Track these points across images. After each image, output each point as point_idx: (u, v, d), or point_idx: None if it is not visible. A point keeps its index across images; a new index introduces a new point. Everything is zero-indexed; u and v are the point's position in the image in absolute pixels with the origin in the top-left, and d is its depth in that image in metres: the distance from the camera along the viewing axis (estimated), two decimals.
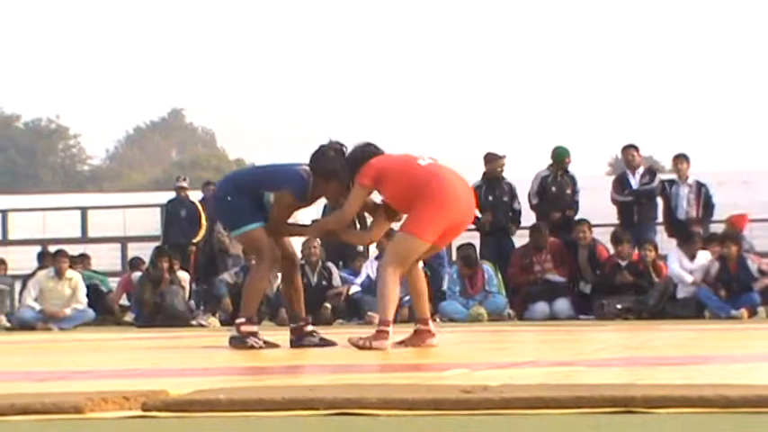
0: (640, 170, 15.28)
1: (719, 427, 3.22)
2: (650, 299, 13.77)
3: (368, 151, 7.41)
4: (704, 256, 14.01)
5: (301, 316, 7.62)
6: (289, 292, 7.72)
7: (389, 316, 7.17)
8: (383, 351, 6.87)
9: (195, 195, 17.57)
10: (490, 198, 15.18)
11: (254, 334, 7.60)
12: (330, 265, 14.75)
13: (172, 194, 17.58)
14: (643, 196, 15.09)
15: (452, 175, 7.42)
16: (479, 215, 14.43)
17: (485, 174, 15.35)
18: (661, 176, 15.71)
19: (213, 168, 60.75)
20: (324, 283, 14.58)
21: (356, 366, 5.95)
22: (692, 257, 13.98)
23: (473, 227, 15.33)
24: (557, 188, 15.22)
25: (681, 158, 15.28)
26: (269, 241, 7.55)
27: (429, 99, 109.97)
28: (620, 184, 15.31)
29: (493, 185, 15.27)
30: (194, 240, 16.56)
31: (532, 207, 15.30)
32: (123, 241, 20.12)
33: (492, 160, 15.37)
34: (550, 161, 15.43)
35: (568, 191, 15.27)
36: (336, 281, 14.61)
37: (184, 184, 17.34)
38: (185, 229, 16.67)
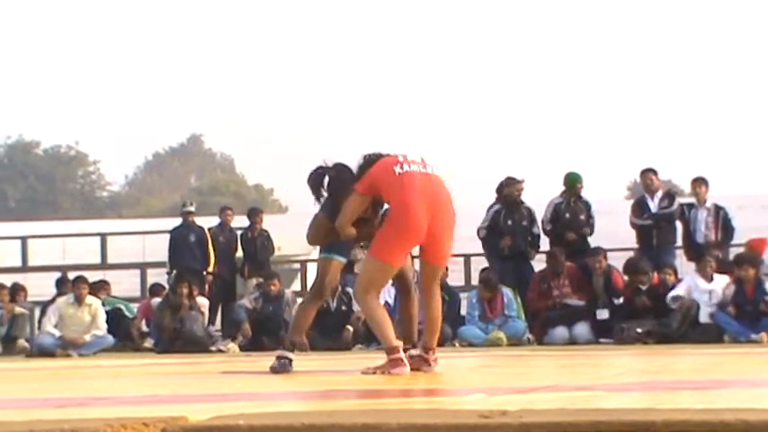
0: (659, 194, 15.26)
1: None
2: (673, 321, 13.72)
3: (372, 157, 7.51)
4: (722, 281, 13.97)
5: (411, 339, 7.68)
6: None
7: (392, 341, 7.18)
8: (402, 376, 6.84)
9: (211, 221, 17.57)
10: (509, 222, 15.19)
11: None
12: (349, 289, 14.78)
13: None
14: (662, 220, 15.06)
15: (422, 183, 7.33)
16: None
17: (504, 197, 15.36)
18: (680, 200, 15.69)
19: (232, 194, 60.92)
20: (343, 308, 14.61)
21: (376, 392, 5.94)
22: (708, 279, 13.95)
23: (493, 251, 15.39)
24: (570, 214, 15.22)
25: (699, 182, 15.25)
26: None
27: (449, 120, 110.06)
28: (639, 207, 15.29)
29: (512, 210, 15.27)
30: (209, 269, 16.47)
31: (546, 233, 15.31)
32: (143, 267, 20.15)
33: (511, 184, 15.39)
34: (563, 187, 15.47)
35: (582, 216, 15.27)
36: (356, 306, 14.63)
37: (191, 209, 17.31)
38: (195, 255, 16.59)
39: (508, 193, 15.33)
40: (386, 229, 7.28)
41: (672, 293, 13.92)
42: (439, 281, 7.70)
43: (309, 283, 12.77)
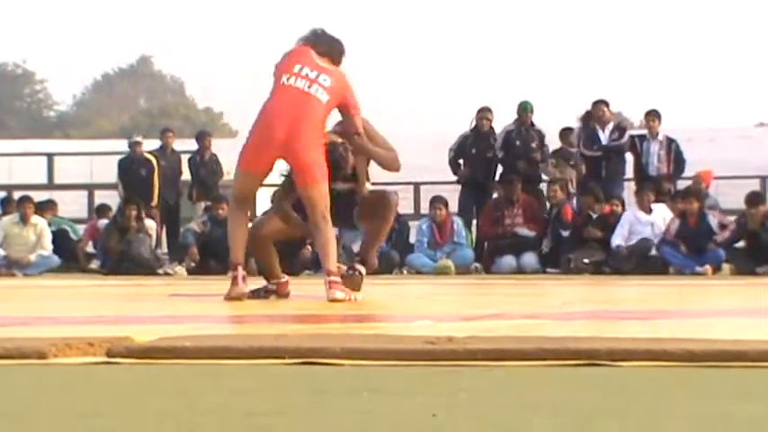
0: (610, 126, 15.31)
1: (681, 380, 3.24)
2: (624, 264, 13.80)
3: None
4: (660, 211, 14.12)
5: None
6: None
7: (235, 258, 7.26)
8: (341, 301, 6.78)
9: (159, 144, 17.42)
10: (473, 151, 15.25)
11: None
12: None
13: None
14: (612, 152, 15.13)
15: (292, 98, 7.00)
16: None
17: (475, 127, 15.43)
18: (630, 132, 15.76)
19: (182, 117, 60.46)
20: None
21: (323, 317, 5.95)
22: (647, 211, 14.08)
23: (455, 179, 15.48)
24: (521, 142, 15.27)
25: (652, 115, 15.33)
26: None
27: (413, 44, 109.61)
28: (589, 138, 15.34)
29: (479, 139, 15.34)
30: (152, 205, 16.28)
31: (499, 161, 15.36)
32: (90, 188, 20.02)
33: (479, 113, 15.48)
34: (516, 116, 15.54)
35: (533, 144, 15.31)
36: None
37: (139, 139, 17.13)
38: (145, 188, 16.42)
39: (477, 121, 15.43)
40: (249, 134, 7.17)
41: (614, 242, 13.98)
42: (315, 209, 6.98)
43: (258, 208, 12.71)
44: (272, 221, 7.50)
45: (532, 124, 15.47)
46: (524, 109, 15.48)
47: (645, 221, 14.07)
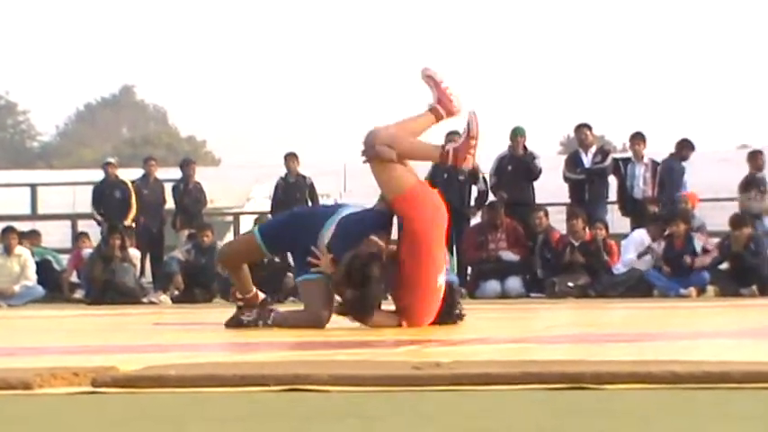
0: (593, 149, 15.38)
1: (667, 401, 3.24)
2: (619, 287, 13.84)
3: None
4: (641, 235, 14.19)
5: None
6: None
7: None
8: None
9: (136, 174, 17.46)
10: (445, 176, 15.26)
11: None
12: None
13: (120, 172, 17.42)
14: (595, 175, 15.20)
15: None
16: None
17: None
18: (613, 155, 15.83)
19: (165, 146, 60.40)
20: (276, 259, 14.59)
21: (308, 344, 5.94)
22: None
23: None
24: (513, 166, 15.32)
25: (638, 138, 15.42)
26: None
27: (389, 69, 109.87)
28: (573, 162, 15.40)
29: (449, 165, 15.35)
30: (125, 222, 16.30)
31: (491, 187, 15.42)
32: (73, 218, 19.99)
33: (449, 137, 15.48)
34: (509, 141, 15.62)
35: (523, 169, 15.37)
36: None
37: (111, 160, 17.24)
38: (122, 210, 16.45)
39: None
40: None
41: (623, 264, 14.02)
42: None
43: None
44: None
45: (525, 148, 15.51)
46: (515, 133, 15.52)
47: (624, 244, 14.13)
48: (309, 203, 16.22)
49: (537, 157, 15.48)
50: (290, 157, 17.01)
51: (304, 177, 16.97)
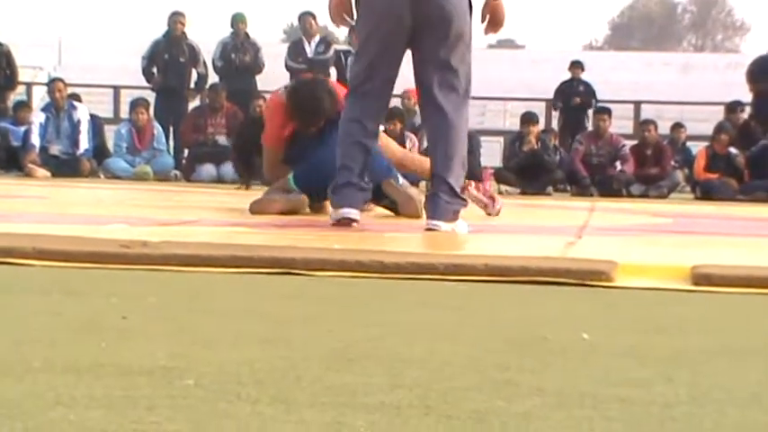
0: (316, 39, 15.41)
1: (373, 289, 3.32)
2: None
3: None
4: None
5: None
6: None
7: None
8: None
9: None
10: (165, 56, 15.02)
11: None
12: None
13: None
14: (317, 65, 15.25)
15: None
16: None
17: (167, 32, 15.22)
18: (336, 47, 15.91)
19: None
20: None
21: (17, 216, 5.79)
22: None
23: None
24: (235, 53, 15.24)
25: (354, 31, 15.54)
26: None
27: None
28: (296, 51, 15.41)
29: (172, 44, 15.10)
30: None
31: (216, 71, 15.35)
32: None
33: (173, 17, 15.30)
34: (230, 28, 15.51)
35: (247, 58, 15.29)
36: None
37: None
38: None
39: (170, 26, 15.23)
40: None
41: None
42: None
43: None
44: None
45: (247, 36, 15.42)
46: (235, 20, 15.42)
47: None
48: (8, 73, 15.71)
49: (259, 48, 15.43)
50: None
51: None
